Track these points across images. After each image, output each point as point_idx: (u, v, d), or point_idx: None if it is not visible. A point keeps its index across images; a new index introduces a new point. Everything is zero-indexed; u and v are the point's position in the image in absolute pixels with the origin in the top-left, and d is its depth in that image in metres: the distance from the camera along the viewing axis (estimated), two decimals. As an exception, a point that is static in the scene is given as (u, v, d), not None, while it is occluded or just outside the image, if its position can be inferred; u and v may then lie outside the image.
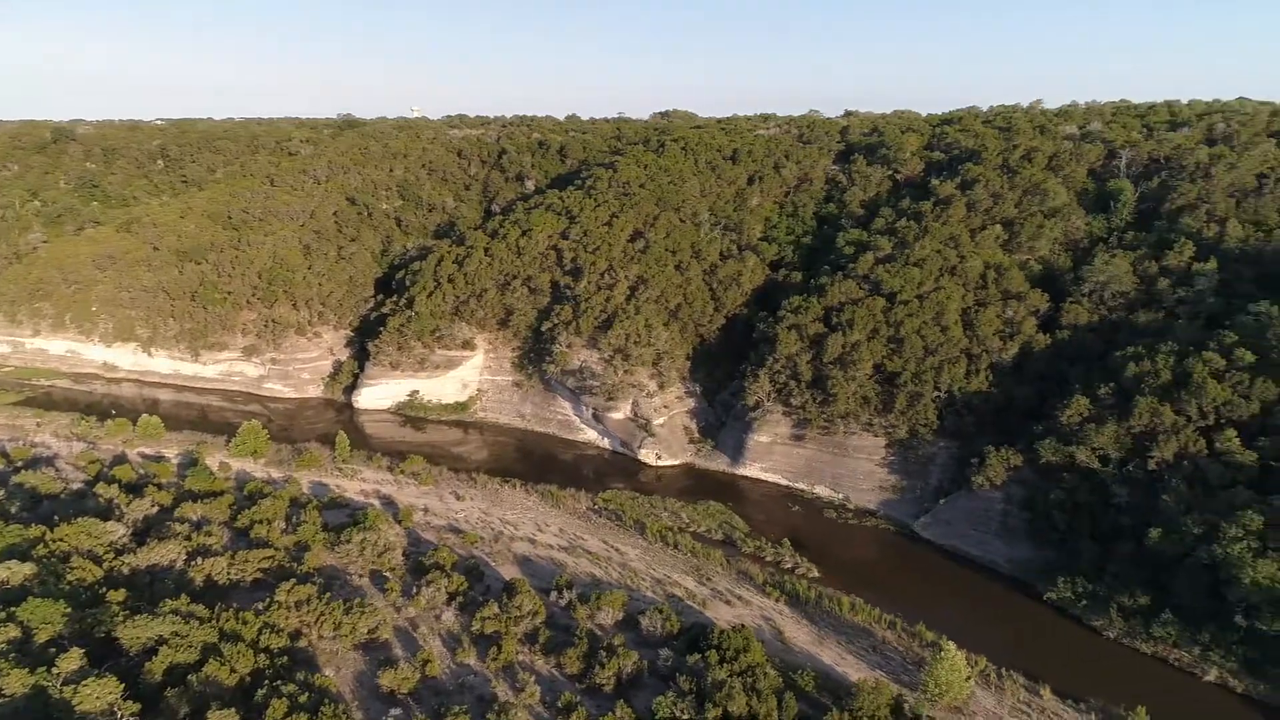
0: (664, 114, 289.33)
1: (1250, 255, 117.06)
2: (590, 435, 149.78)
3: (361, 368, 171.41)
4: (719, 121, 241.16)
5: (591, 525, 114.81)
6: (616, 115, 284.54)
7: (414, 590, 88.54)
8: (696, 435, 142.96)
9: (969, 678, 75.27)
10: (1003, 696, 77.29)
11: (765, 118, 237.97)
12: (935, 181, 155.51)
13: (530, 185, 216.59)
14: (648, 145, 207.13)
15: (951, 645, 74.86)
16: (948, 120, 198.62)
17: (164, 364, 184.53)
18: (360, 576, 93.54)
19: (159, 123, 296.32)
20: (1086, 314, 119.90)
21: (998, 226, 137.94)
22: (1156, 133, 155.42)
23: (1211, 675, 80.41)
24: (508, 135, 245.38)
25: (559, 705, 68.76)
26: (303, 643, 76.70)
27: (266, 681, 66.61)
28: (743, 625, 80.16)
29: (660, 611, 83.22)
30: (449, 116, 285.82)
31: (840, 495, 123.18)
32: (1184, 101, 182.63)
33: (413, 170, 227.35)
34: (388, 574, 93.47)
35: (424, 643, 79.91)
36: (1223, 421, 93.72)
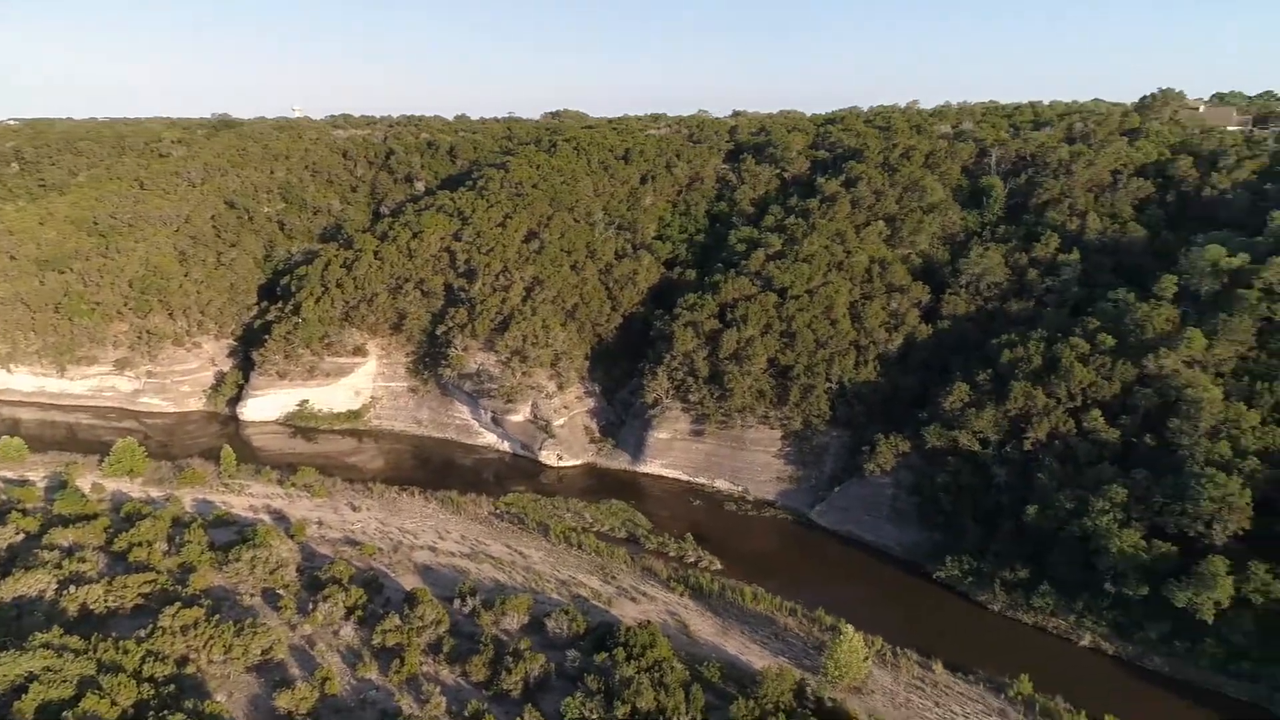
0: (554, 114, 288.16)
1: (1108, 246, 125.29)
2: (490, 439, 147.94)
3: (246, 378, 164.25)
4: (610, 121, 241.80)
5: (494, 530, 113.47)
6: (507, 115, 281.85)
7: (310, 606, 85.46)
8: (597, 435, 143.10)
9: (867, 658, 78.01)
10: (898, 674, 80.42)
11: (656, 117, 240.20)
12: (821, 180, 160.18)
13: (420, 186, 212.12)
14: (539, 145, 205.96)
15: (850, 628, 77.39)
16: (831, 120, 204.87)
17: (26, 381, 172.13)
18: (252, 596, 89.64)
19: (12, 123, 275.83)
20: (964, 304, 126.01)
21: (880, 222, 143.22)
22: (1022, 132, 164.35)
23: (1086, 640, 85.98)
24: (395, 135, 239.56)
25: (465, 714, 67.64)
26: (191, 669, 72.92)
27: (152, 712, 62.96)
28: (648, 621, 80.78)
29: (566, 613, 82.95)
30: (333, 116, 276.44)
31: (740, 488, 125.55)
32: (1046, 102, 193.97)
33: (295, 172, 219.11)
34: (281, 591, 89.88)
35: (322, 660, 77.26)
36: (1089, 402, 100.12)
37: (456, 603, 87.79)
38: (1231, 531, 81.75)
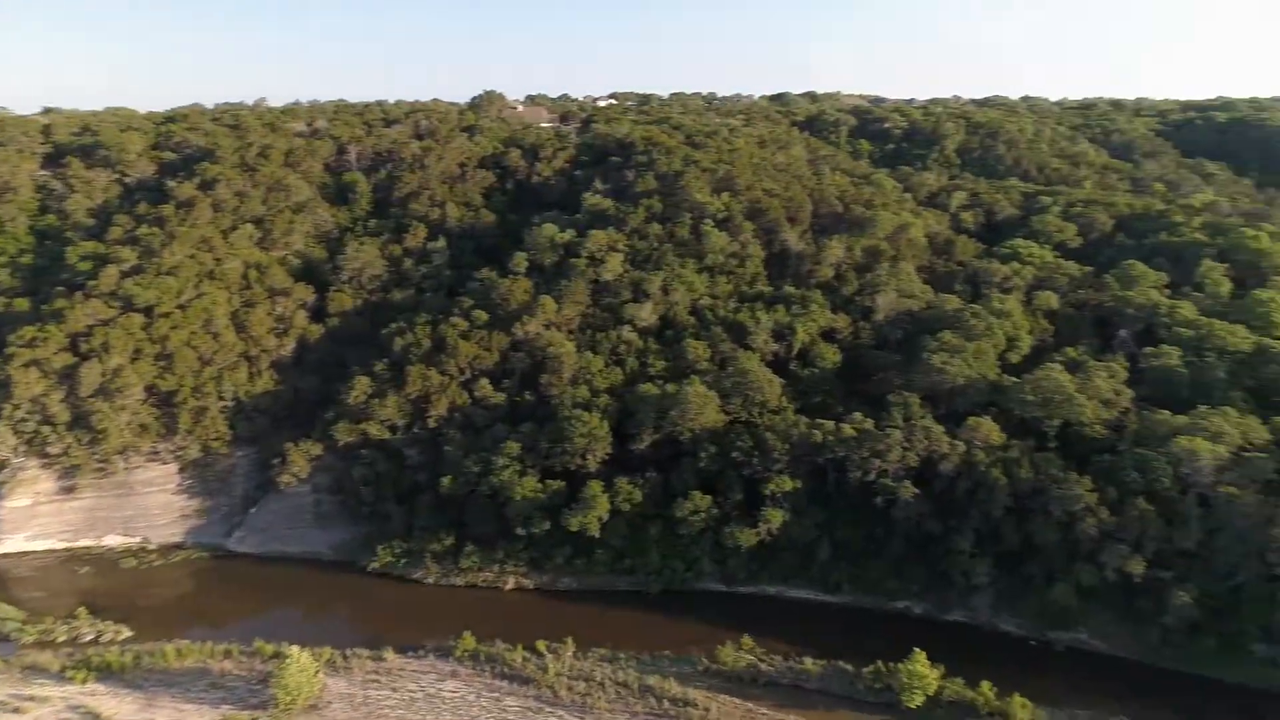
0: None
1: (468, 231, 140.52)
2: None
3: None
4: None
5: None
6: None
7: None
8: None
9: (318, 672, 76.47)
10: (353, 675, 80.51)
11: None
12: (172, 183, 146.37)
13: None
14: None
15: (294, 649, 75.15)
16: (172, 119, 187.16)
17: None
18: None
19: None
20: (350, 299, 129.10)
21: (249, 225, 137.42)
22: (375, 129, 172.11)
23: (511, 583, 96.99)
24: None
25: None
26: None
27: None
28: (45, 728, 66.75)
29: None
30: None
31: (138, 538, 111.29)
32: (392, 101, 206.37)
33: None
34: None
35: None
36: (476, 373, 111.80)
37: None
38: (600, 458, 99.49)
